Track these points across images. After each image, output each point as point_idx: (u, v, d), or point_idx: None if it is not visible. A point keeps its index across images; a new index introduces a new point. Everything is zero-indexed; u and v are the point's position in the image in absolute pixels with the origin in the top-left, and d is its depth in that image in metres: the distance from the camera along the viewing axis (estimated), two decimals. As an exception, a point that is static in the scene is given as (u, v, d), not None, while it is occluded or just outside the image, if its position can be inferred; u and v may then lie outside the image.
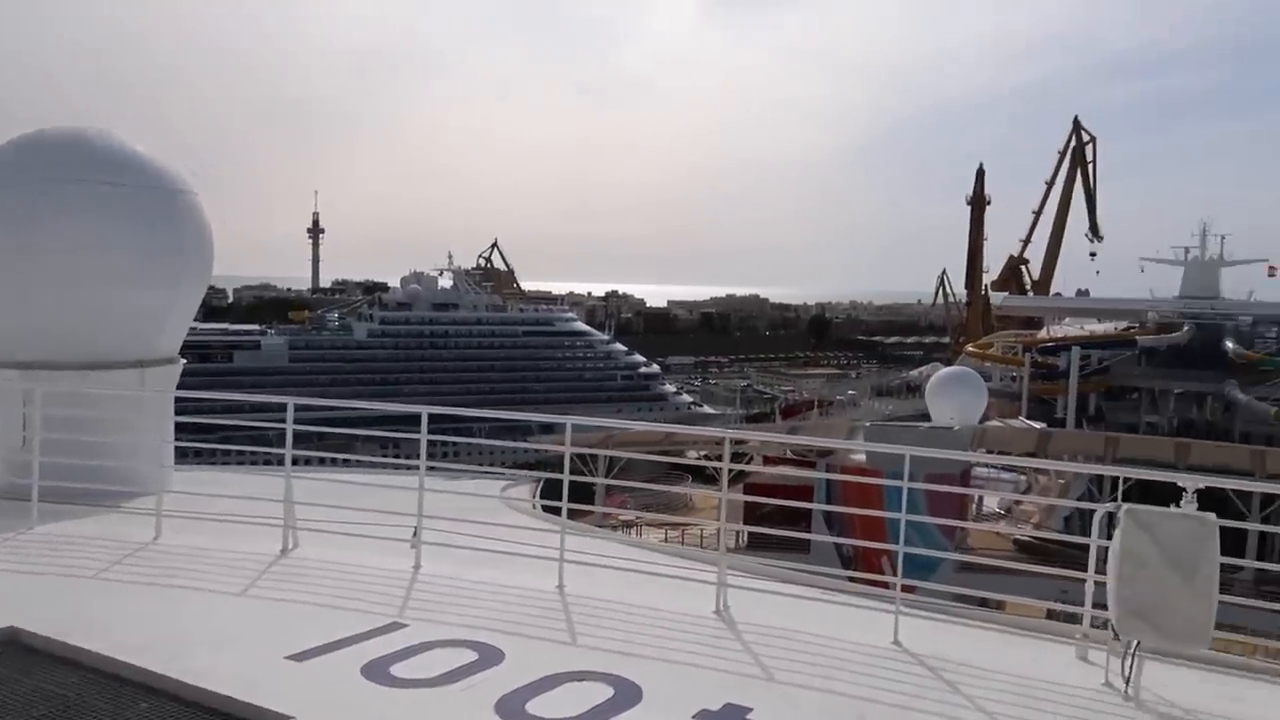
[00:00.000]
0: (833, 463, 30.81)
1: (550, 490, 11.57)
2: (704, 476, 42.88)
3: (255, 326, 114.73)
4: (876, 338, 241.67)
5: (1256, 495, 31.36)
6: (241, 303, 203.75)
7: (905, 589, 6.67)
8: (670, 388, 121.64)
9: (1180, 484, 5.60)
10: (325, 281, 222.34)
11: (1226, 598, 5.47)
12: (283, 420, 7.77)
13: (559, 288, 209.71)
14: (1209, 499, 5.49)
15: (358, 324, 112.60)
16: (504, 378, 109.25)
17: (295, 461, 7.98)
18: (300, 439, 7.82)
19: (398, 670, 5.41)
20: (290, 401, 8.07)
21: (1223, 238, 70.98)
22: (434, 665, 5.49)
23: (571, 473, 7.18)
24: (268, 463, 10.45)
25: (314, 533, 7.84)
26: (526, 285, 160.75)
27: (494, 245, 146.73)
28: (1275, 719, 5.35)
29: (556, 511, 7.80)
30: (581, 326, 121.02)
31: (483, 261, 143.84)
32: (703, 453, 39.86)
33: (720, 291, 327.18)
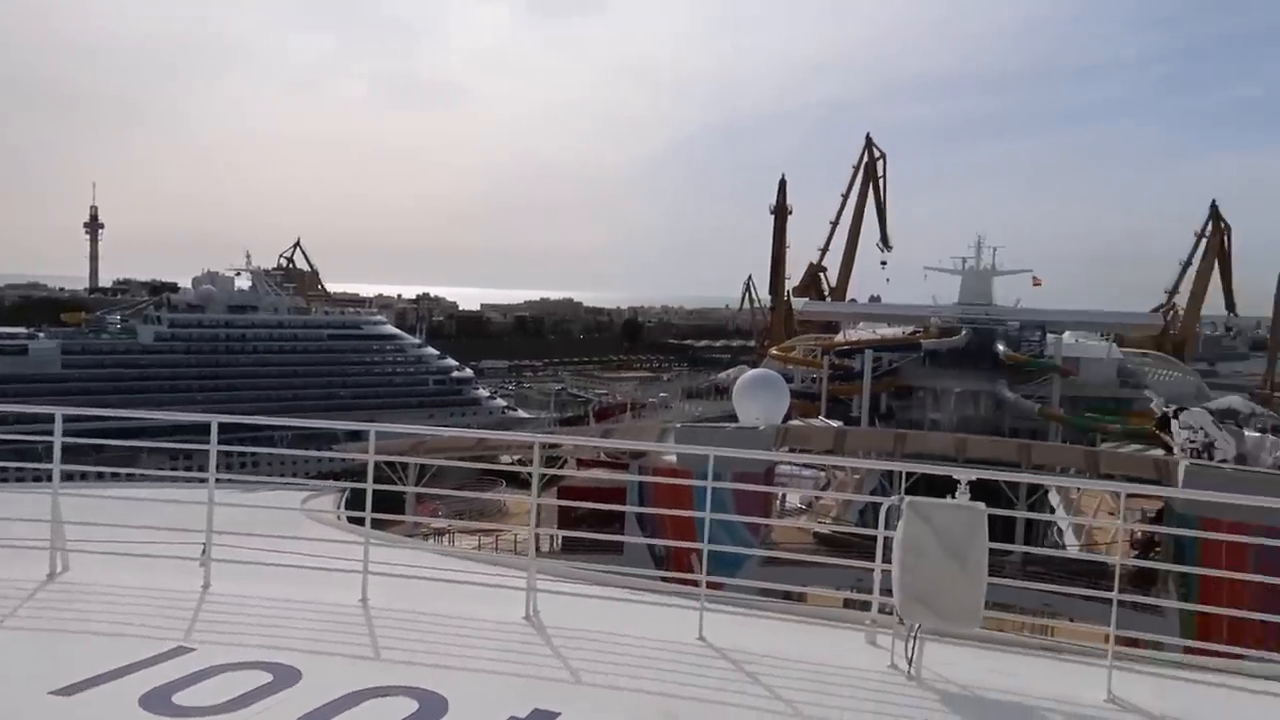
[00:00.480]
0: (644, 464, 31.33)
1: (357, 500, 11.15)
2: (518, 481, 42.56)
3: (21, 329, 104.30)
4: (687, 341, 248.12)
5: (1023, 485, 34.43)
6: (4, 303, 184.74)
7: (712, 586, 6.86)
8: (484, 392, 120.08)
9: (955, 476, 6.06)
10: (105, 281, 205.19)
11: (997, 580, 5.96)
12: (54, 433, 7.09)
13: (367, 290, 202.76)
14: (983, 489, 5.98)
15: (143, 327, 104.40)
16: (307, 383, 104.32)
17: (69, 477, 7.30)
18: (74, 452, 7.16)
19: (181, 698, 5.04)
20: (58, 412, 7.36)
21: (995, 250, 77.66)
22: (223, 691, 5.16)
23: (380, 481, 6.94)
24: (37, 479, 9.50)
25: (88, 554, 7.19)
26: (332, 287, 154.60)
27: (296, 245, 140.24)
28: (1040, 689, 5.84)
29: (361, 522, 7.53)
30: (391, 330, 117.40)
31: (284, 262, 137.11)
32: (516, 457, 39.58)
33: (534, 295, 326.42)
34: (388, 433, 34.26)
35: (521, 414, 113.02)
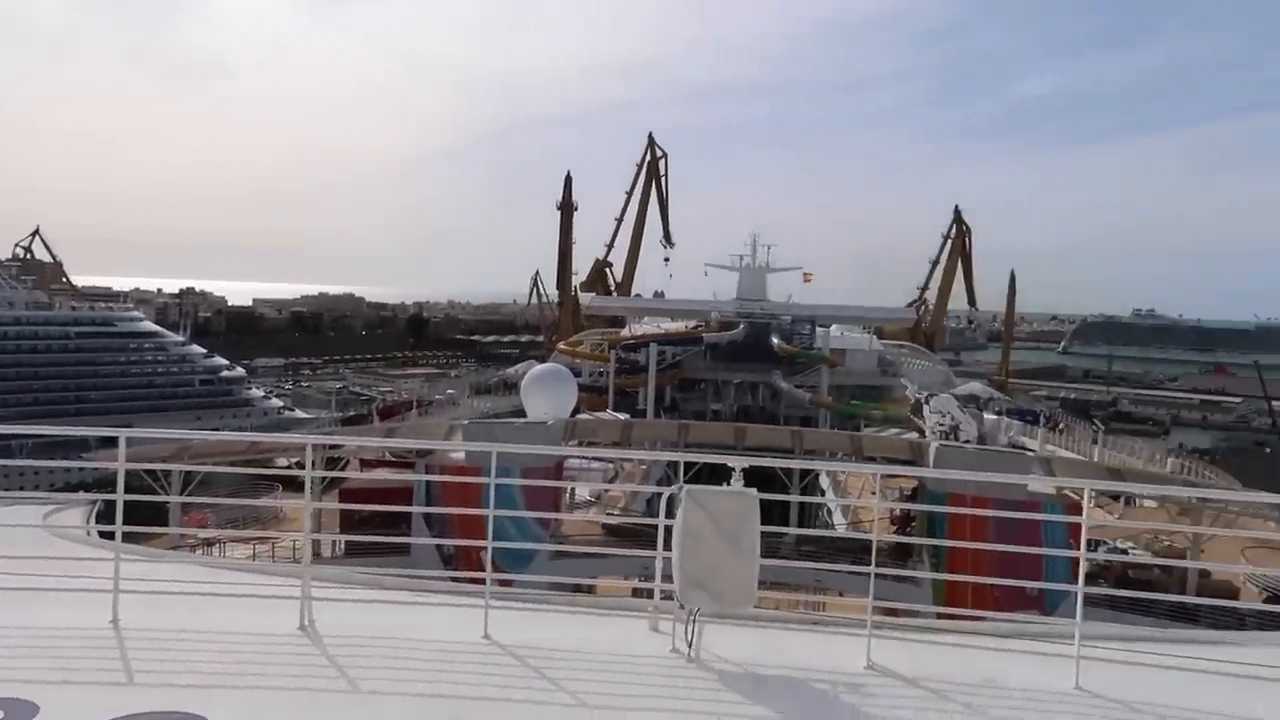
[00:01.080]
0: (431, 463, 30.68)
1: (112, 513, 10.20)
2: (297, 486, 40.45)
3: None
4: (475, 336, 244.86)
5: (796, 470, 36.51)
6: None
7: (502, 583, 6.82)
8: (258, 392, 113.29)
9: (730, 465, 6.35)
10: None
11: (771, 561, 6.29)
12: None
13: (122, 283, 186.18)
14: (760, 475, 6.30)
15: None
16: (50, 386, 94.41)
17: None
18: None
19: None
20: None
21: (769, 248, 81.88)
22: None
23: (140, 490, 6.39)
24: None
25: None
26: (80, 280, 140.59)
27: (35, 234, 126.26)
28: (807, 661, 6.21)
29: (113, 536, 6.91)
30: (150, 327, 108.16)
31: (21, 252, 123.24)
32: (294, 460, 37.62)
33: (312, 289, 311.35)
34: (145, 438, 31.63)
35: (300, 414, 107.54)
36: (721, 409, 69.85)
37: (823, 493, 43.70)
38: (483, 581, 6.64)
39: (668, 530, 6.24)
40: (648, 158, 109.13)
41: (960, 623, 7.30)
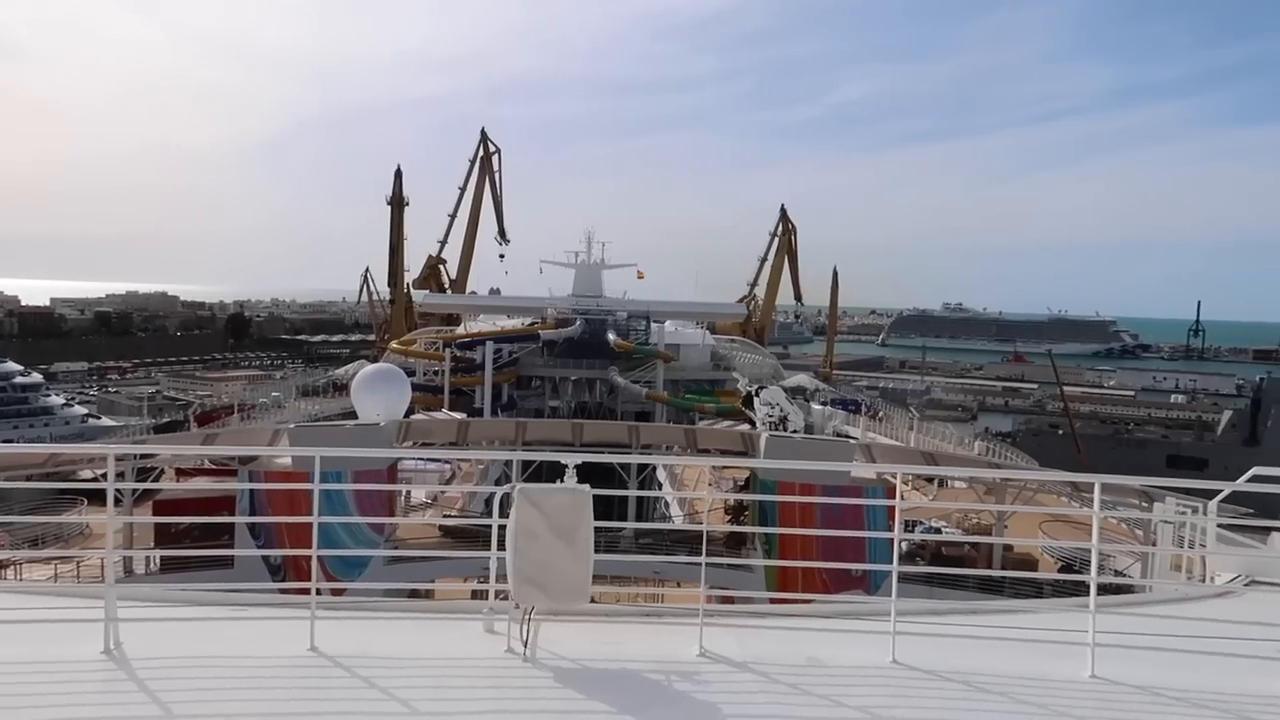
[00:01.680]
0: (255, 470, 29.20)
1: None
2: (104, 499, 37.51)
3: None
4: (302, 337, 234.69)
5: (633, 465, 36.98)
6: None
7: (336, 592, 6.59)
8: (58, 399, 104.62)
9: (563, 461, 6.37)
10: None
11: (606, 556, 6.36)
12: None
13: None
14: (597, 470, 6.35)
15: None
16: None
17: None
18: None
19: None
20: None
21: (604, 245, 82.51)
22: None
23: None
24: None
25: None
26: None
27: None
28: (642, 653, 6.31)
29: None
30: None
31: None
32: (102, 471, 34.95)
33: (119, 288, 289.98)
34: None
35: (107, 422, 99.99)
36: (559, 406, 69.85)
37: (660, 486, 44.44)
38: (309, 592, 6.38)
39: (502, 529, 6.20)
40: (481, 152, 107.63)
41: (787, 606, 7.61)
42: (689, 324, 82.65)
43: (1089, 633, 6.43)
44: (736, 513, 37.26)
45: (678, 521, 39.18)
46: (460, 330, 78.64)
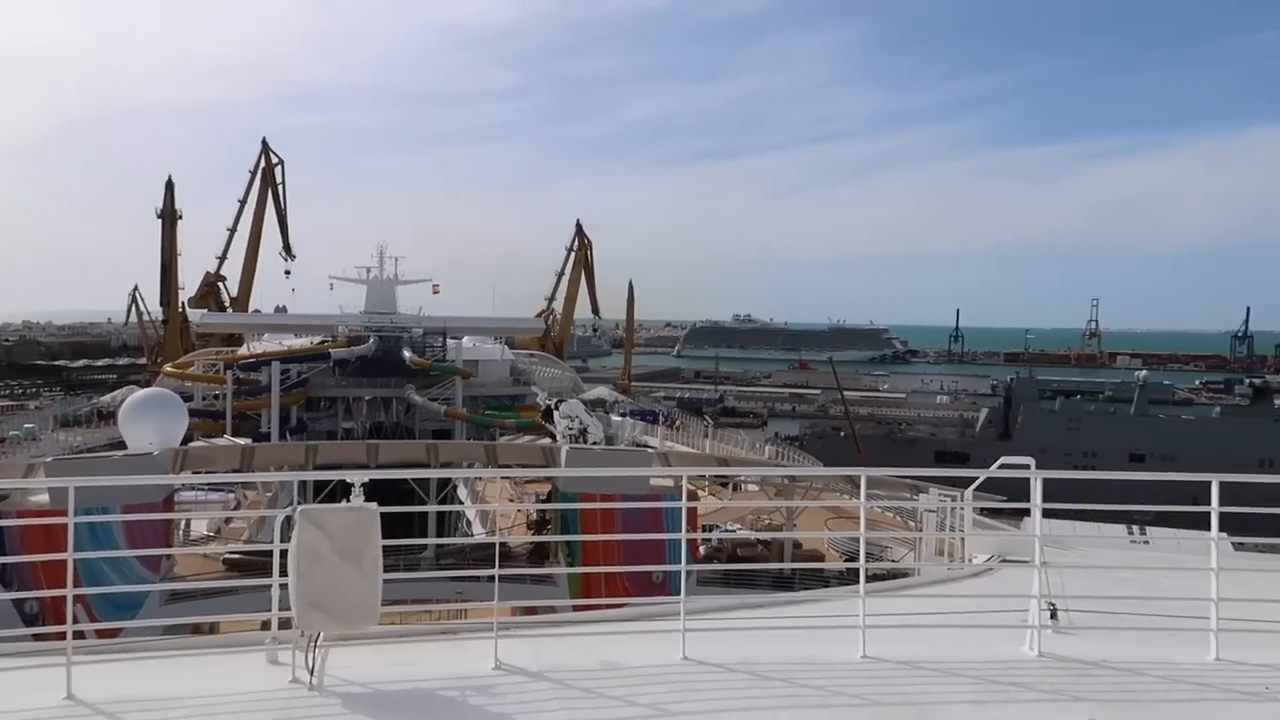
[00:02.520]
0: (7, 508, 26.38)
1: None
2: None
3: None
4: (60, 362, 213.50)
5: (433, 482, 36.20)
6: None
7: (106, 634, 6.09)
8: None
9: (349, 480, 6.20)
10: None
11: (398, 576, 6.23)
12: None
13: None
14: (395, 490, 6.20)
15: None
16: None
17: None
18: None
19: None
20: None
21: (397, 260, 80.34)
22: None
23: None
24: None
25: None
26: None
27: None
28: (437, 671, 6.21)
29: None
30: None
31: None
32: None
33: None
34: None
35: None
36: (354, 427, 67.28)
37: (461, 502, 43.68)
38: (78, 635, 5.87)
39: (285, 555, 5.95)
40: (262, 164, 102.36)
41: (583, 613, 7.74)
42: (487, 339, 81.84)
43: (860, 616, 6.95)
44: (539, 526, 37.24)
45: (481, 537, 38.67)
46: (243, 351, 74.24)
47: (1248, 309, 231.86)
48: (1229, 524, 8.28)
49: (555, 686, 6.11)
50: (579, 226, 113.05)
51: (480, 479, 42.60)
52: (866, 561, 7.36)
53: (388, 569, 6.60)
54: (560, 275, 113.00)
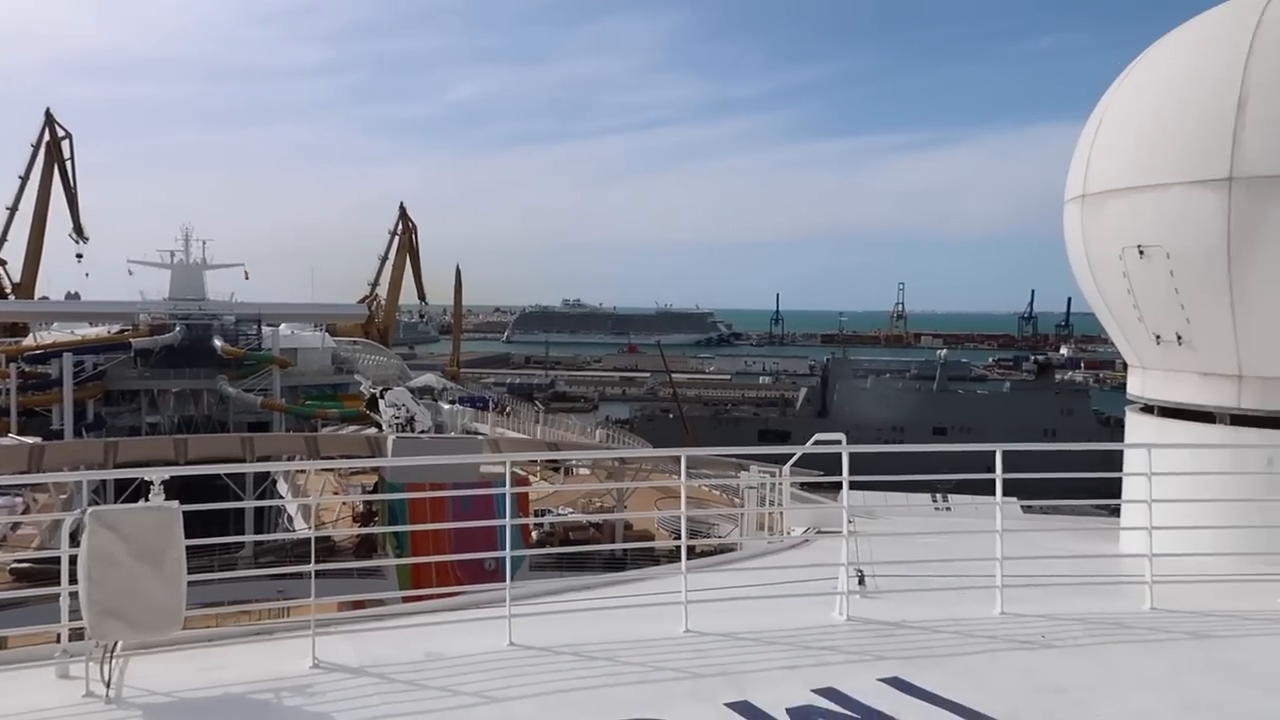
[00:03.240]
0: None
1: None
2: None
3: None
4: None
5: (250, 477, 34.50)
6: None
7: None
8: None
9: (147, 478, 5.81)
10: None
11: (220, 575, 5.89)
12: None
13: None
14: (210, 488, 5.85)
15: None
16: None
17: None
18: None
19: None
20: None
21: (205, 243, 75.61)
22: None
23: None
24: None
25: None
26: None
27: None
28: (253, 674, 5.93)
29: None
30: None
31: None
32: None
33: None
34: None
35: None
36: (160, 421, 63.16)
37: (282, 496, 41.79)
38: None
39: (75, 560, 5.52)
40: (46, 138, 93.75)
41: (406, 605, 7.59)
42: (306, 326, 78.47)
43: (683, 593, 7.14)
44: (366, 518, 36.14)
45: (304, 533, 37.15)
46: (29, 341, 68.11)
47: (1032, 292, 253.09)
48: (1018, 489, 9.05)
49: (377, 681, 5.96)
50: (403, 209, 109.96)
51: (302, 473, 40.93)
52: (692, 538, 7.55)
53: (201, 570, 6.25)
54: (384, 260, 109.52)
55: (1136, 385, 11.43)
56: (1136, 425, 11.39)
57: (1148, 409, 11.28)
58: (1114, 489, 10.71)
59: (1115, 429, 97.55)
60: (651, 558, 30.87)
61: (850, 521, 7.86)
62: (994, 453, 7.68)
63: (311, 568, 6.37)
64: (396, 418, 37.71)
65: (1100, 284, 11.00)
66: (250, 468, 24.72)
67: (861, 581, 7.99)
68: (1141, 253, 10.03)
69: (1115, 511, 12.42)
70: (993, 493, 7.72)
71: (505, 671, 6.17)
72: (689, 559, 7.91)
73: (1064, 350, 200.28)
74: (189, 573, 5.73)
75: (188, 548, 5.68)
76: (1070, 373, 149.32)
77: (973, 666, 6.53)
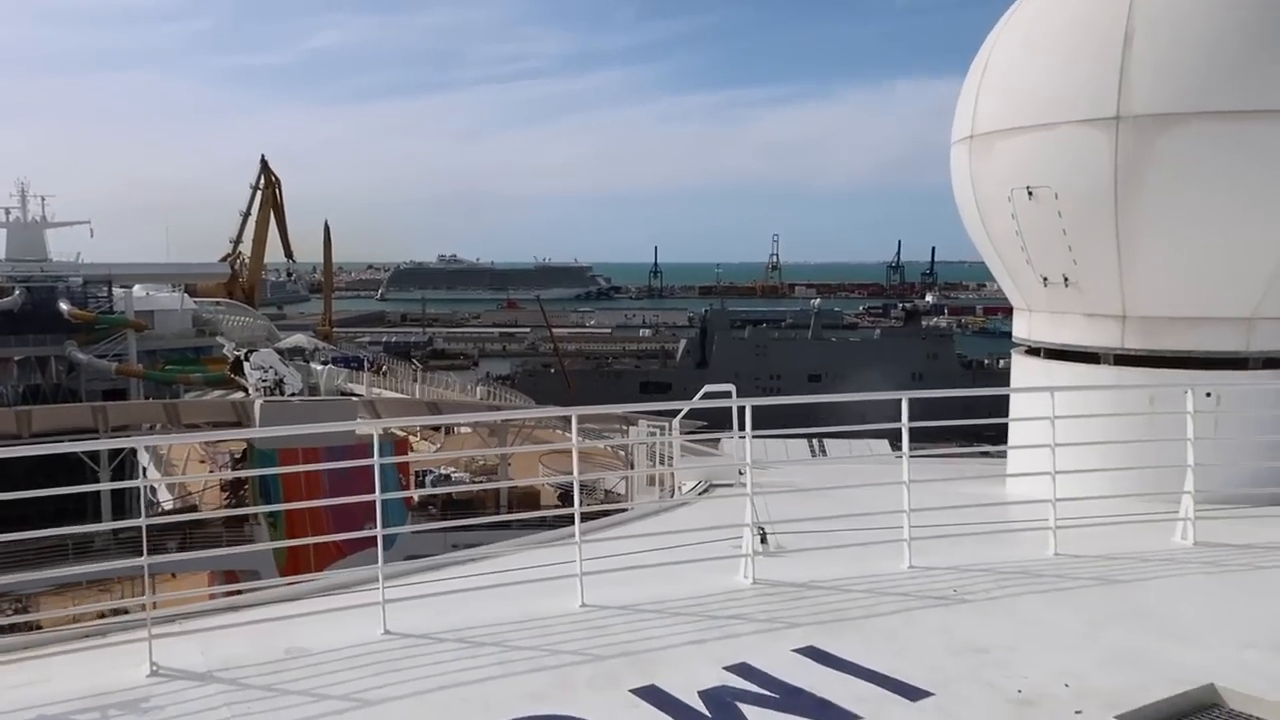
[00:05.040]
0: None
1: None
2: None
3: None
4: None
5: (103, 454, 32.14)
6: None
7: None
8: None
9: None
10: None
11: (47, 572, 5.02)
12: None
13: None
14: (63, 465, 4.97)
15: None
16: None
17: None
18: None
19: None
20: None
21: (44, 199, 70.04)
22: None
23: None
24: None
25: None
26: None
27: None
28: (78, 688, 5.18)
29: None
30: None
31: None
32: None
33: None
34: None
35: None
36: (3, 391, 58.63)
37: (145, 473, 39.33)
38: None
39: None
40: None
41: (264, 593, 6.82)
42: (163, 287, 73.96)
43: (577, 563, 6.60)
44: (235, 488, 34.41)
45: (168, 508, 35.13)
46: None
47: (899, 242, 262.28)
48: (891, 435, 8.88)
49: (227, 689, 5.21)
50: (264, 163, 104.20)
51: (166, 446, 38.61)
52: (581, 495, 7.01)
53: (53, 559, 5.38)
54: (246, 216, 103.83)
55: (1023, 328, 11.47)
56: (1023, 368, 11.43)
57: (1033, 351, 11.32)
58: (980, 432, 10.68)
59: (977, 371, 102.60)
60: (540, 521, 30.40)
61: (743, 474, 7.46)
62: (878, 401, 7.47)
63: (145, 561, 5.54)
64: (264, 381, 35.83)
65: (988, 226, 10.95)
66: (101, 444, 22.99)
67: (764, 540, 7.65)
68: (1030, 194, 9.97)
69: (989, 455, 12.60)
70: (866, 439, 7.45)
71: (379, 667, 5.51)
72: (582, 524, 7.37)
73: (929, 297, 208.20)
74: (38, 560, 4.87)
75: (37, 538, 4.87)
76: (935, 319, 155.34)
77: (889, 629, 6.27)
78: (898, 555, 7.51)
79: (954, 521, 7.94)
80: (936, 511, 7.74)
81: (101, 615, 16.80)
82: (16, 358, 60.43)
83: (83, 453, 32.15)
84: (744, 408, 7.61)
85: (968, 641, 5.99)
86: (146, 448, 38.18)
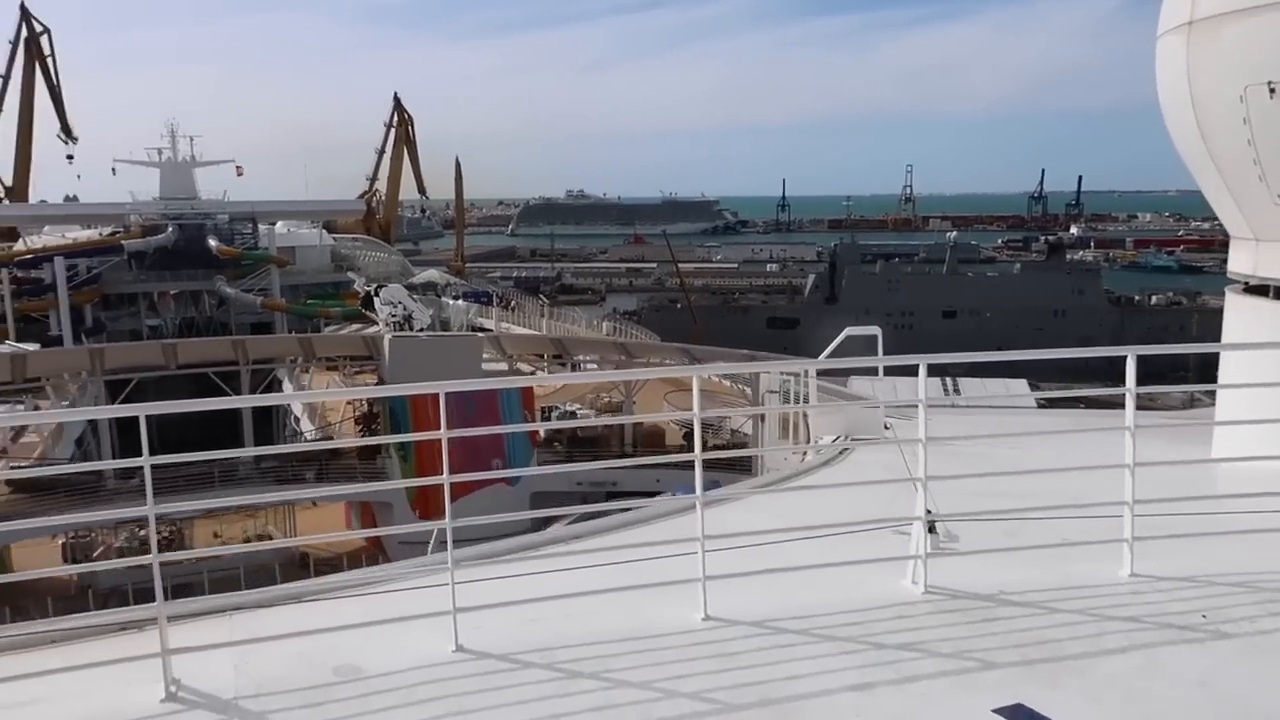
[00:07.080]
0: None
1: None
2: None
3: None
4: None
5: (246, 379, 33.50)
6: None
7: None
8: None
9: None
10: None
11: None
12: None
13: None
14: (209, 390, 4.43)
15: None
16: None
17: None
18: None
19: None
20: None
21: (193, 140, 73.12)
22: None
23: None
24: None
25: None
26: None
27: None
28: (285, 677, 4.57)
29: None
30: None
31: None
32: None
33: None
34: None
35: None
36: (161, 324, 62.23)
37: (288, 407, 40.99)
38: None
39: None
40: (24, 32, 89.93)
41: (306, 584, 5.66)
42: (303, 224, 76.66)
43: (700, 555, 5.11)
44: (368, 420, 35.41)
45: (310, 438, 36.54)
46: (19, 246, 66.60)
47: (1042, 171, 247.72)
48: (1029, 371, 7.28)
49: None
50: (397, 100, 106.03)
51: (307, 374, 40.04)
52: (706, 437, 5.69)
53: (202, 485, 4.87)
54: (381, 153, 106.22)
55: (1245, 261, 9.46)
56: (1239, 310, 9.58)
57: (1258, 289, 9.35)
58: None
59: (1126, 308, 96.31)
60: (663, 450, 29.94)
61: (926, 457, 5.42)
62: (1011, 334, 5.69)
63: (153, 556, 4.61)
64: (394, 316, 36.45)
65: (1207, 135, 9.00)
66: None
67: (932, 529, 5.73)
68: (1273, 90, 8.15)
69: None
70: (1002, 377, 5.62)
71: (448, 702, 4.36)
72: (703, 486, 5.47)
73: (1074, 230, 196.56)
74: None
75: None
76: (1081, 252, 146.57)
77: (1124, 678, 4.56)
78: (1113, 558, 5.67)
79: (1154, 496, 5.54)
80: (1128, 477, 5.56)
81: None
82: (172, 292, 63.83)
83: (222, 380, 33.62)
84: (913, 363, 5.55)
85: (1243, 703, 4.38)
86: (289, 378, 39.80)
